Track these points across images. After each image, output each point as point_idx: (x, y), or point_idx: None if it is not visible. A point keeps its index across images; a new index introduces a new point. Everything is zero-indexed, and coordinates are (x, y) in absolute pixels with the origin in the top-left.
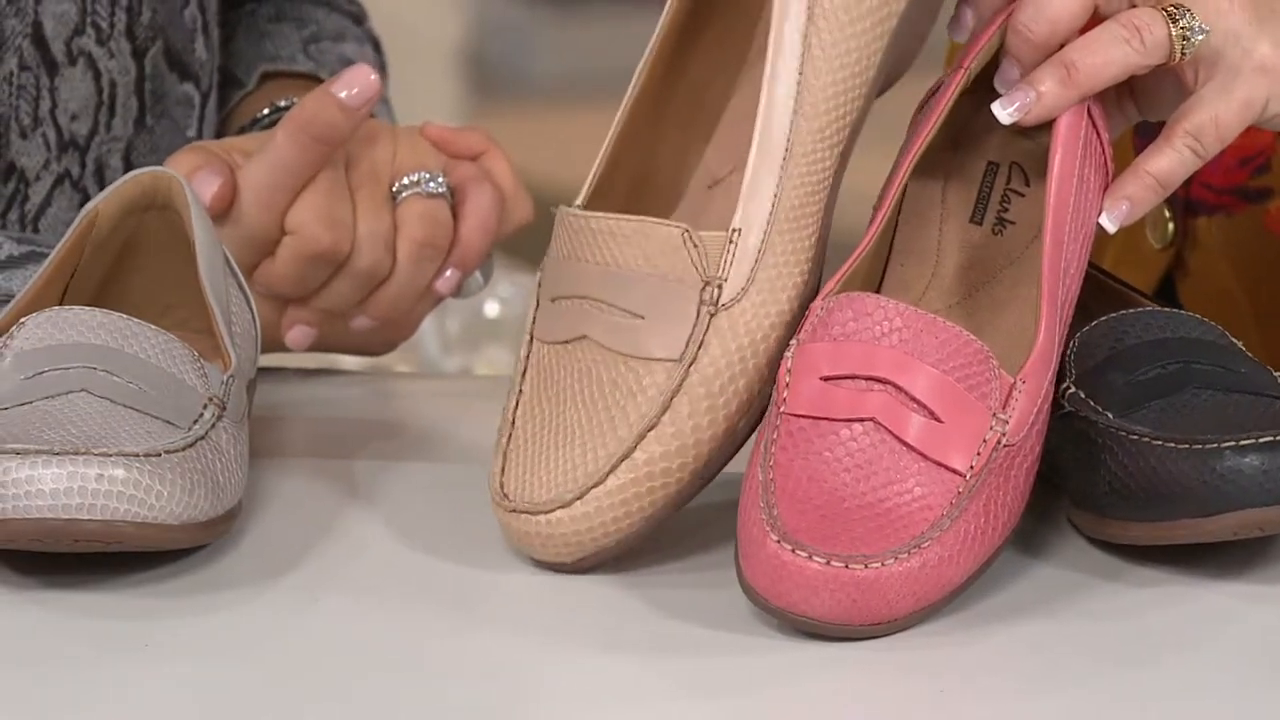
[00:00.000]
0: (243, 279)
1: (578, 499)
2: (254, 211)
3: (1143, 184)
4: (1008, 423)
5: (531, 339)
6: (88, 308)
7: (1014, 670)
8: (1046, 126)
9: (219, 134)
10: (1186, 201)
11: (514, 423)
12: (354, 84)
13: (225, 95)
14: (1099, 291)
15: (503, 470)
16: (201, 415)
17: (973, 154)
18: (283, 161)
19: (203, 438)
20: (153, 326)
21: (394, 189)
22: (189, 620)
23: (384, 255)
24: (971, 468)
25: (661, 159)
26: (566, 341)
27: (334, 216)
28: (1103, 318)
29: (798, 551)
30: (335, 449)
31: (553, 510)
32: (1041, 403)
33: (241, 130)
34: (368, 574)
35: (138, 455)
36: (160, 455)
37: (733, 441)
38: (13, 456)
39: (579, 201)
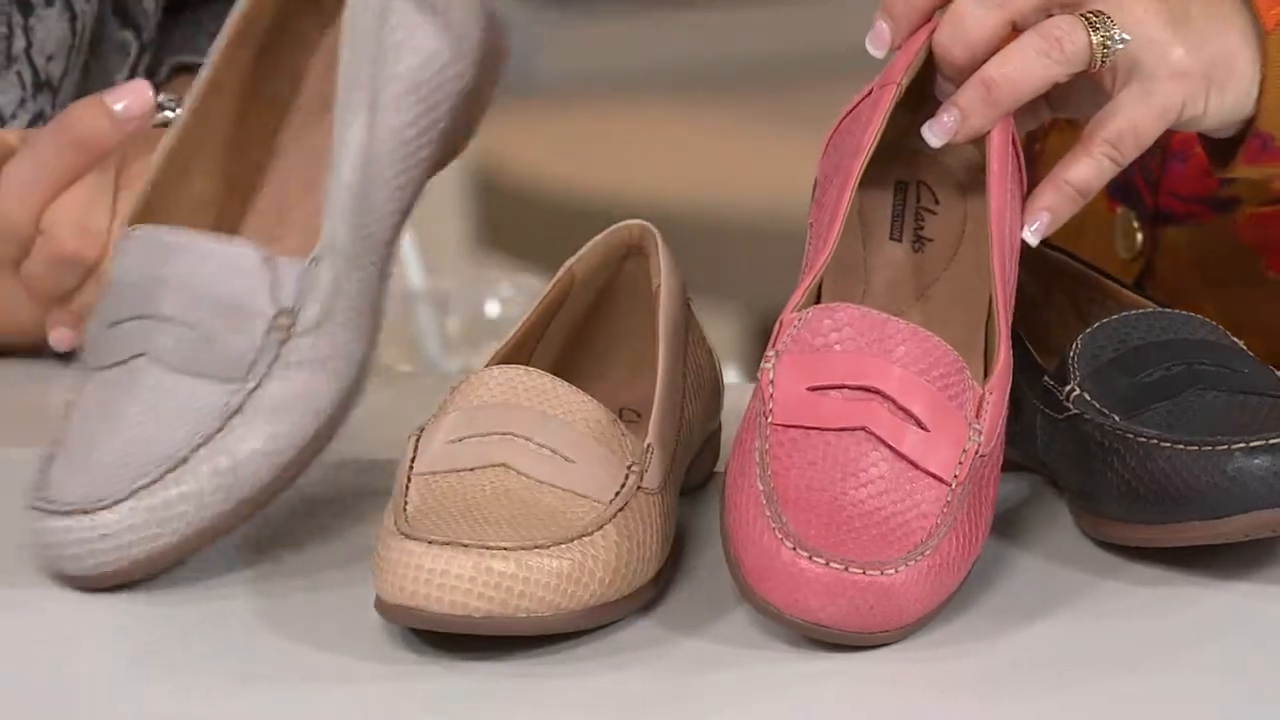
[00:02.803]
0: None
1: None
2: (9, 206)
3: (1062, 194)
4: (981, 433)
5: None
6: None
7: (1023, 672)
8: (948, 145)
9: None
10: (1155, 211)
11: None
12: (128, 97)
13: None
14: (1097, 293)
15: None
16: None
17: (881, 172)
18: (42, 160)
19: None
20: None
21: None
22: (190, 618)
23: None
24: (956, 477)
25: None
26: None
27: (86, 222)
28: (1105, 320)
29: (815, 559)
30: (336, 448)
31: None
32: (1004, 414)
33: None
34: (369, 573)
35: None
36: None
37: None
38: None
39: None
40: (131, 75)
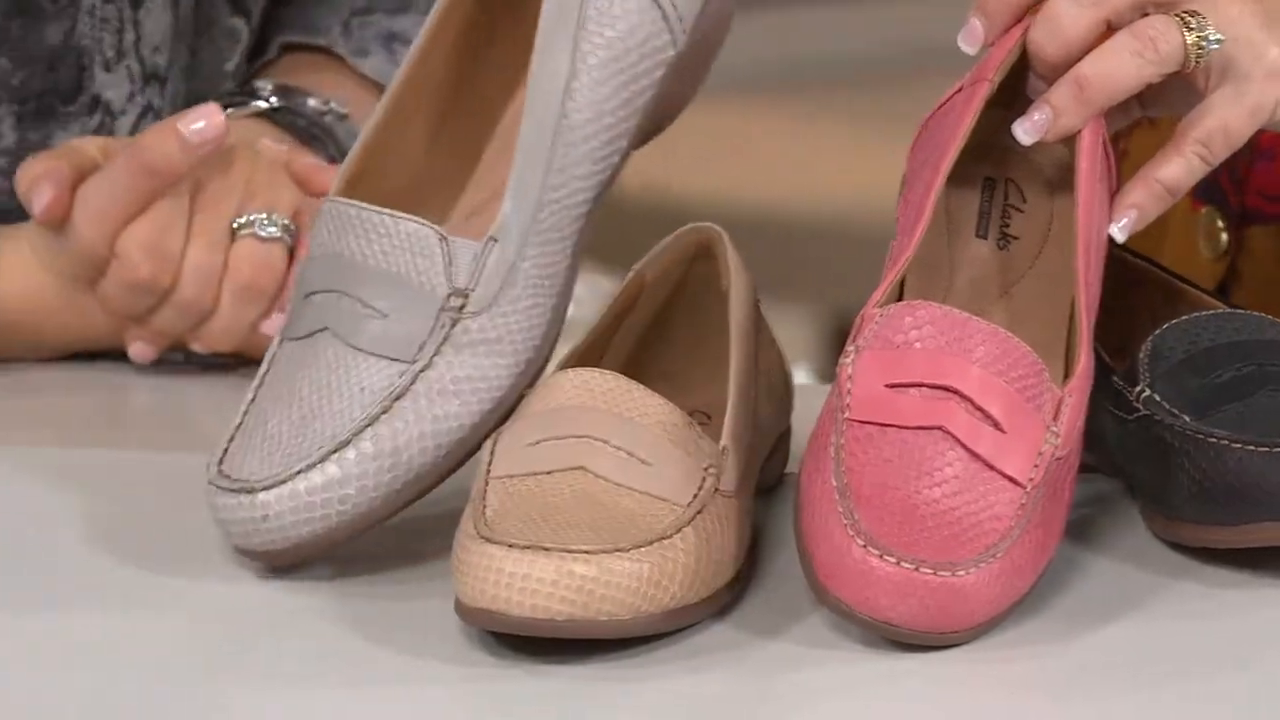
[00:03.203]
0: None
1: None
2: (83, 229)
3: (1151, 192)
4: (1059, 435)
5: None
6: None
7: (1095, 673)
8: (1038, 143)
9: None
10: (1241, 210)
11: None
12: (199, 122)
13: (251, 60)
14: (1168, 294)
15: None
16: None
17: (969, 169)
18: (115, 185)
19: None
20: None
21: (235, 224)
22: (269, 619)
23: (206, 291)
24: (1031, 479)
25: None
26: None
27: (159, 248)
28: (1175, 320)
29: (885, 557)
30: None
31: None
32: (1083, 417)
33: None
34: (448, 576)
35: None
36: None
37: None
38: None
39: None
40: (242, 59)
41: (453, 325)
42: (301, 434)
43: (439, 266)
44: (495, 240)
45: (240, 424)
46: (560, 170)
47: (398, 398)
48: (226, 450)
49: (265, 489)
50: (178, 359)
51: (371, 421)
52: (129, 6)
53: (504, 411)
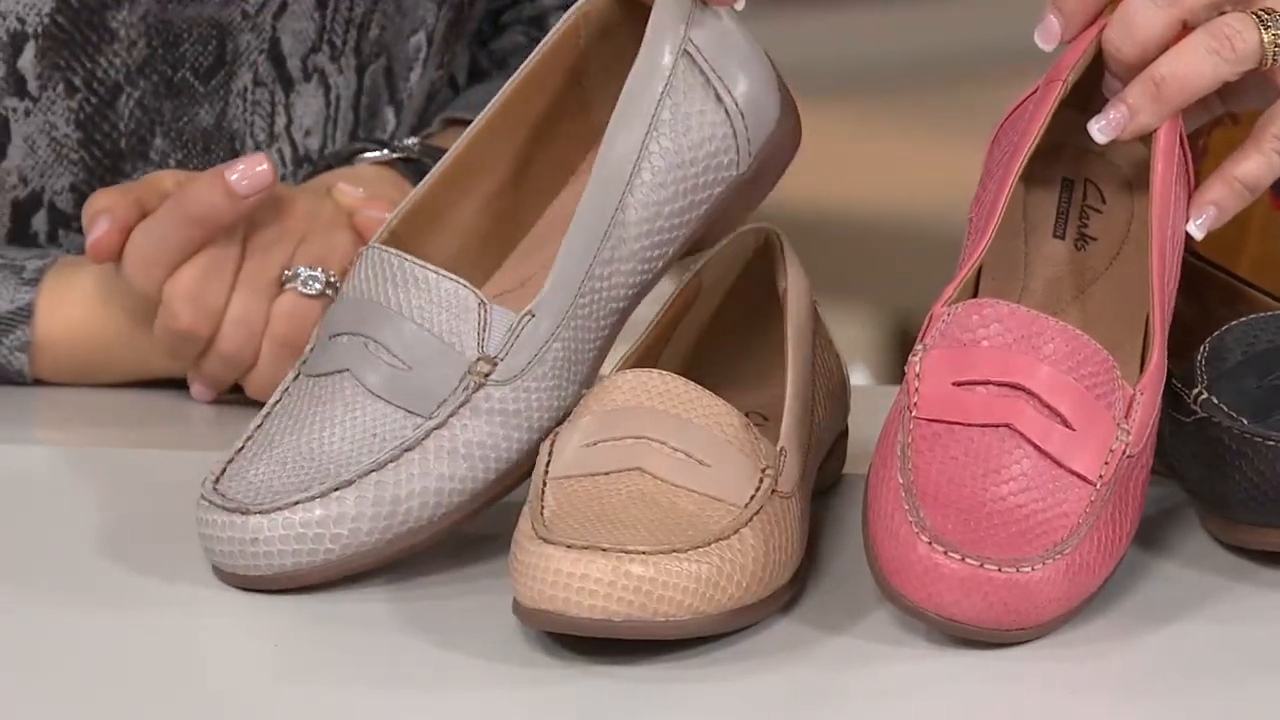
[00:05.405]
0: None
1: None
2: (131, 272)
3: (1230, 189)
4: (1130, 433)
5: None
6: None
7: (1160, 674)
8: (1115, 143)
9: None
10: None
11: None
12: (247, 173)
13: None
14: (1226, 296)
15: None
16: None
17: (1047, 169)
18: (160, 235)
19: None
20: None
21: (283, 274)
22: (329, 622)
23: (246, 344)
24: (1101, 477)
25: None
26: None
27: (201, 299)
28: (1234, 323)
29: (950, 554)
30: None
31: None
32: (1156, 415)
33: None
34: (506, 577)
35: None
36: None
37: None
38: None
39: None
40: None
41: (475, 390)
42: (305, 467)
43: (473, 330)
44: (533, 315)
45: (242, 448)
46: (607, 262)
47: (407, 449)
48: (225, 470)
49: (260, 513)
50: (236, 398)
51: (377, 467)
52: (281, 91)
53: (509, 484)
